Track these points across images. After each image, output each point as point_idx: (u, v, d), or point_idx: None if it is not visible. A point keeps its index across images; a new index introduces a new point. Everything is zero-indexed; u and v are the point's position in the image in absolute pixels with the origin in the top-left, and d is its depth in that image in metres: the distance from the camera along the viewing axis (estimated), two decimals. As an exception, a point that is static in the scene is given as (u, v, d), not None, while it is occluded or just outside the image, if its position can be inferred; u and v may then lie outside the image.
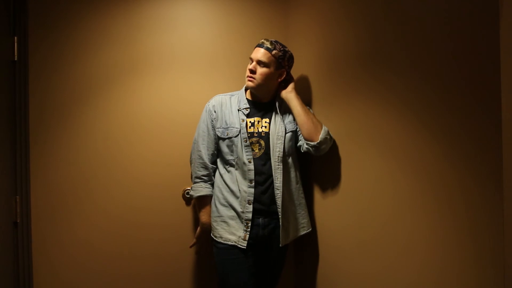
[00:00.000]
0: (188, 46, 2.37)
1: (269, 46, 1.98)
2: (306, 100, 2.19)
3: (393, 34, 1.47)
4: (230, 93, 2.14)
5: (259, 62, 1.97)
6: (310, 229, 2.10)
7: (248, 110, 2.04)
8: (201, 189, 2.07)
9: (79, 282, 2.22)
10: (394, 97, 1.48)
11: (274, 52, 1.97)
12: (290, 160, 2.03)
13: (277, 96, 2.07)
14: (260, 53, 1.97)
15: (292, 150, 2.06)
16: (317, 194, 2.13)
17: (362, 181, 1.71)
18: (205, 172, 2.07)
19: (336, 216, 1.93)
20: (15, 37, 2.13)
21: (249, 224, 1.95)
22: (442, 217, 1.26)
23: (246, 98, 2.08)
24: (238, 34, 2.42)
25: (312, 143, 1.91)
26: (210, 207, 2.08)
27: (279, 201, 1.97)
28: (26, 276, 2.14)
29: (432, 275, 1.31)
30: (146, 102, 2.31)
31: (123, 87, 2.29)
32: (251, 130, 2.02)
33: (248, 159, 1.97)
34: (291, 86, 2.01)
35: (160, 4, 2.34)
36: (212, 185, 2.09)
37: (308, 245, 2.23)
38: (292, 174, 2.04)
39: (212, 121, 2.06)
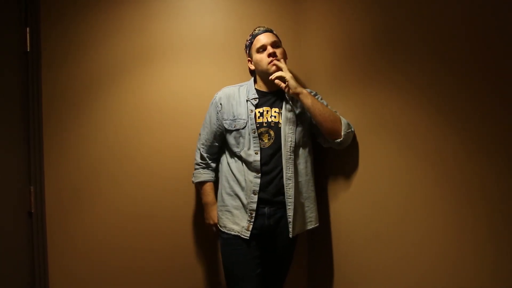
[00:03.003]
0: (199, 35, 2.35)
1: (269, 28, 2.05)
2: (321, 88, 2.16)
3: (410, 22, 1.44)
4: (238, 84, 2.11)
5: (274, 44, 1.98)
6: (317, 225, 2.05)
7: (257, 100, 2.00)
8: (199, 175, 2.09)
9: (93, 270, 2.24)
10: (411, 86, 1.44)
11: (274, 32, 2.05)
12: (301, 151, 1.98)
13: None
14: (270, 36, 1.99)
15: (305, 140, 2.00)
16: (332, 185, 2.11)
17: (378, 172, 1.68)
18: (202, 161, 2.10)
19: (350, 207, 1.91)
20: (27, 28, 2.13)
21: (253, 215, 1.93)
22: (458, 210, 1.24)
23: (255, 89, 2.05)
24: (249, 23, 2.39)
25: (335, 141, 1.84)
26: (212, 190, 2.09)
27: (290, 191, 1.92)
28: (41, 264, 2.16)
29: (447, 267, 1.28)
30: (157, 93, 2.30)
31: (134, 77, 2.28)
32: (260, 120, 1.97)
33: (255, 150, 1.94)
34: (293, 80, 1.89)
35: (171, -7, 2.33)
36: (212, 171, 2.10)
37: (322, 237, 2.22)
38: (302, 165, 1.99)
39: (218, 113, 2.04)
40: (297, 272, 2.44)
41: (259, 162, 1.93)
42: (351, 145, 1.88)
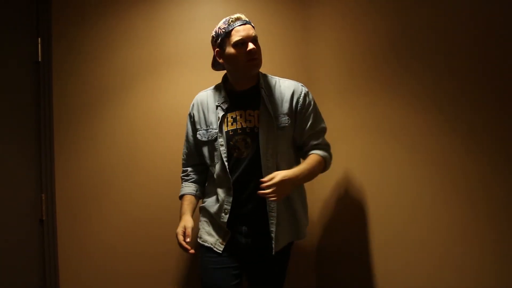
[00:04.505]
0: (207, 44, 2.37)
1: (248, 20, 1.73)
2: (329, 93, 2.18)
3: (416, 27, 1.46)
4: (212, 86, 1.87)
5: (255, 40, 1.68)
6: (305, 237, 1.84)
7: (227, 103, 1.74)
8: (181, 189, 1.91)
9: (102, 275, 2.26)
10: (417, 91, 1.46)
11: (253, 24, 1.74)
12: (285, 158, 1.72)
13: (259, 80, 1.75)
14: (251, 30, 1.69)
15: (289, 146, 1.75)
16: (336, 189, 2.12)
17: (384, 176, 1.70)
18: (183, 174, 1.93)
19: (356, 212, 1.92)
20: (39, 39, 2.17)
21: (227, 236, 1.75)
22: (462, 212, 1.25)
23: (225, 89, 1.78)
24: (257, 29, 2.41)
25: None
26: (189, 204, 1.84)
27: (272, 205, 1.69)
28: (52, 270, 2.19)
29: (451, 270, 1.30)
30: (166, 101, 2.33)
31: (143, 86, 2.31)
32: (233, 127, 1.71)
33: (226, 164, 1.70)
34: (282, 174, 1.57)
35: (179, 4, 2.36)
36: (195, 184, 1.89)
37: (328, 241, 2.23)
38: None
39: (193, 124, 1.84)
40: (306, 276, 2.44)
41: (230, 179, 1.71)
42: (357, 148, 1.89)
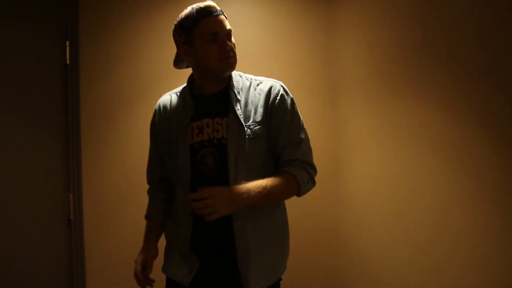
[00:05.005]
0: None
1: (220, 9, 1.39)
2: (355, 95, 2.16)
3: (444, 30, 1.44)
4: (178, 88, 1.55)
5: (229, 35, 1.39)
6: (280, 277, 1.45)
7: (192, 110, 1.42)
8: (147, 208, 1.60)
9: (127, 273, 2.31)
10: (444, 93, 1.45)
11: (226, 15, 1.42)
12: (261, 176, 1.35)
13: (231, 81, 1.43)
14: (225, 22, 1.37)
15: (265, 162, 1.40)
16: (353, 190, 2.11)
17: (411, 177, 1.69)
18: (150, 189, 1.63)
19: (379, 212, 1.92)
20: (67, 42, 2.21)
21: (194, 266, 1.40)
22: (490, 217, 1.24)
23: (190, 93, 1.46)
24: (284, 31, 2.41)
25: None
26: (153, 228, 1.55)
27: (241, 237, 1.35)
28: (79, 269, 2.24)
29: (475, 274, 1.28)
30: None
31: (168, 88, 2.33)
32: (199, 138, 1.39)
33: (187, 181, 1.38)
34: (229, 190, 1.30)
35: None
36: (162, 201, 1.57)
37: (344, 242, 2.22)
38: None
39: (155, 134, 1.53)
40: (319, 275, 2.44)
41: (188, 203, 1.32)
42: (372, 152, 1.88)
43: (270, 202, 1.37)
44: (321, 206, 2.41)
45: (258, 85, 1.44)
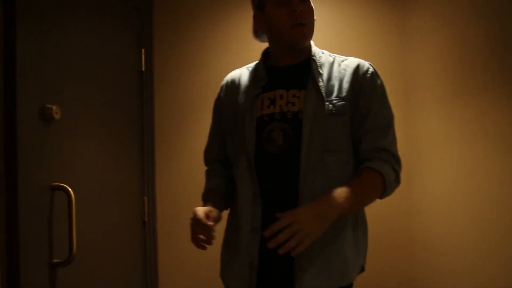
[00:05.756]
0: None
1: None
2: (431, 97, 2.10)
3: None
4: (249, 64, 1.42)
5: None
6: (363, 271, 1.26)
7: (265, 80, 1.27)
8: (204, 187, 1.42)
9: (201, 276, 2.36)
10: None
11: None
12: (338, 160, 1.19)
13: (311, 53, 1.28)
14: None
15: (346, 144, 1.21)
16: (427, 197, 2.04)
17: (492, 184, 1.61)
18: (209, 168, 1.46)
19: (456, 221, 1.84)
20: (143, 49, 2.29)
21: (254, 264, 1.19)
22: None
23: (265, 65, 1.32)
24: (352, 33, 2.38)
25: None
26: (213, 198, 1.32)
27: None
28: (153, 270, 2.31)
29: None
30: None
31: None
32: (270, 110, 1.22)
33: (254, 158, 1.21)
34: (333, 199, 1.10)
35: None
36: (220, 177, 1.39)
37: (418, 252, 2.16)
38: (338, 184, 1.14)
39: (218, 111, 1.41)
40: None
41: (256, 181, 1.20)
42: (448, 158, 1.80)
43: (358, 209, 1.21)
44: (393, 215, 2.34)
45: (343, 61, 1.29)
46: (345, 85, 1.22)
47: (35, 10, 1.46)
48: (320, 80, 1.22)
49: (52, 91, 1.54)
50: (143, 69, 2.28)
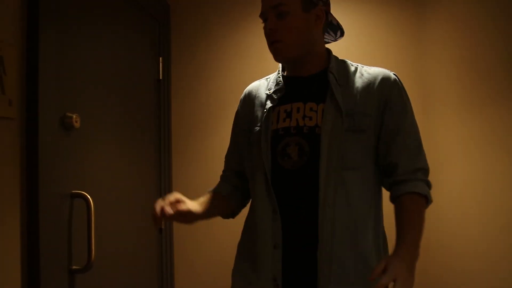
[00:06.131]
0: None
1: None
2: (448, 107, 2.08)
3: None
4: (269, 75, 1.37)
5: (276, 11, 1.14)
6: None
7: (281, 92, 1.23)
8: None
9: (216, 283, 2.35)
10: None
11: None
12: (359, 178, 1.15)
13: (330, 61, 1.23)
14: None
15: (368, 162, 1.17)
16: (446, 205, 2.01)
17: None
18: (222, 173, 1.47)
19: (476, 229, 1.81)
20: (160, 58, 2.32)
21: (278, 280, 1.14)
22: None
23: (282, 75, 1.27)
24: (369, 43, 2.37)
25: None
26: (205, 198, 1.34)
27: (323, 241, 1.11)
28: (169, 277, 2.32)
29: None
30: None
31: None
32: (285, 124, 1.18)
33: (270, 173, 1.18)
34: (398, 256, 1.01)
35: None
36: (230, 186, 1.39)
37: (434, 259, 2.12)
38: (359, 199, 1.14)
39: (237, 124, 1.40)
40: None
41: (273, 196, 1.16)
42: (467, 167, 1.78)
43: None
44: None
45: (366, 71, 1.22)
46: (369, 99, 1.17)
47: (57, 21, 1.49)
48: (339, 93, 1.17)
49: (72, 99, 1.57)
50: (161, 78, 2.31)
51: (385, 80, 1.19)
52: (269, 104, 1.22)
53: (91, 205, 1.53)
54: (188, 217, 1.20)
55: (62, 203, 1.49)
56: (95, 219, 1.54)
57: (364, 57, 2.36)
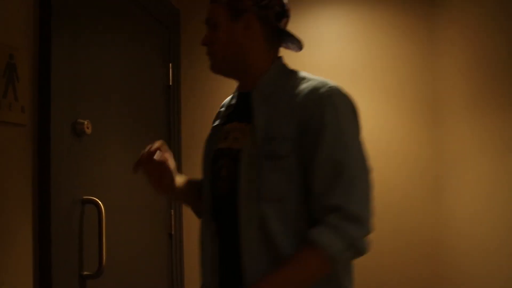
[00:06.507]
0: (334, 67, 2.37)
1: None
2: (457, 115, 2.06)
3: None
4: None
5: (209, 24, 1.09)
6: None
7: (229, 109, 1.17)
8: None
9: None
10: None
11: None
12: (282, 211, 0.98)
13: (266, 75, 1.10)
14: (211, 9, 1.09)
15: (288, 193, 0.99)
16: (458, 213, 1.98)
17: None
18: None
19: (491, 239, 1.79)
20: (170, 64, 2.33)
21: None
22: None
23: (239, 92, 1.18)
24: (384, 49, 2.36)
25: None
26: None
27: (250, 278, 0.98)
28: (179, 282, 2.32)
29: None
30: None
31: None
32: (224, 144, 1.11)
33: (210, 195, 1.12)
34: None
35: (306, 25, 2.39)
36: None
37: (447, 272, 2.10)
38: (281, 234, 0.98)
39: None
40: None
41: (212, 220, 1.11)
42: (481, 174, 1.75)
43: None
44: (421, 225, 2.28)
45: (303, 85, 1.04)
46: (292, 119, 0.99)
47: (68, 29, 1.50)
48: (261, 114, 1.03)
49: (83, 106, 1.58)
50: (171, 83, 2.32)
51: (311, 94, 1.00)
52: (217, 122, 1.19)
53: (102, 211, 1.54)
54: (165, 179, 1.13)
55: (74, 208, 1.50)
56: (106, 225, 1.55)
57: (376, 58, 2.36)
